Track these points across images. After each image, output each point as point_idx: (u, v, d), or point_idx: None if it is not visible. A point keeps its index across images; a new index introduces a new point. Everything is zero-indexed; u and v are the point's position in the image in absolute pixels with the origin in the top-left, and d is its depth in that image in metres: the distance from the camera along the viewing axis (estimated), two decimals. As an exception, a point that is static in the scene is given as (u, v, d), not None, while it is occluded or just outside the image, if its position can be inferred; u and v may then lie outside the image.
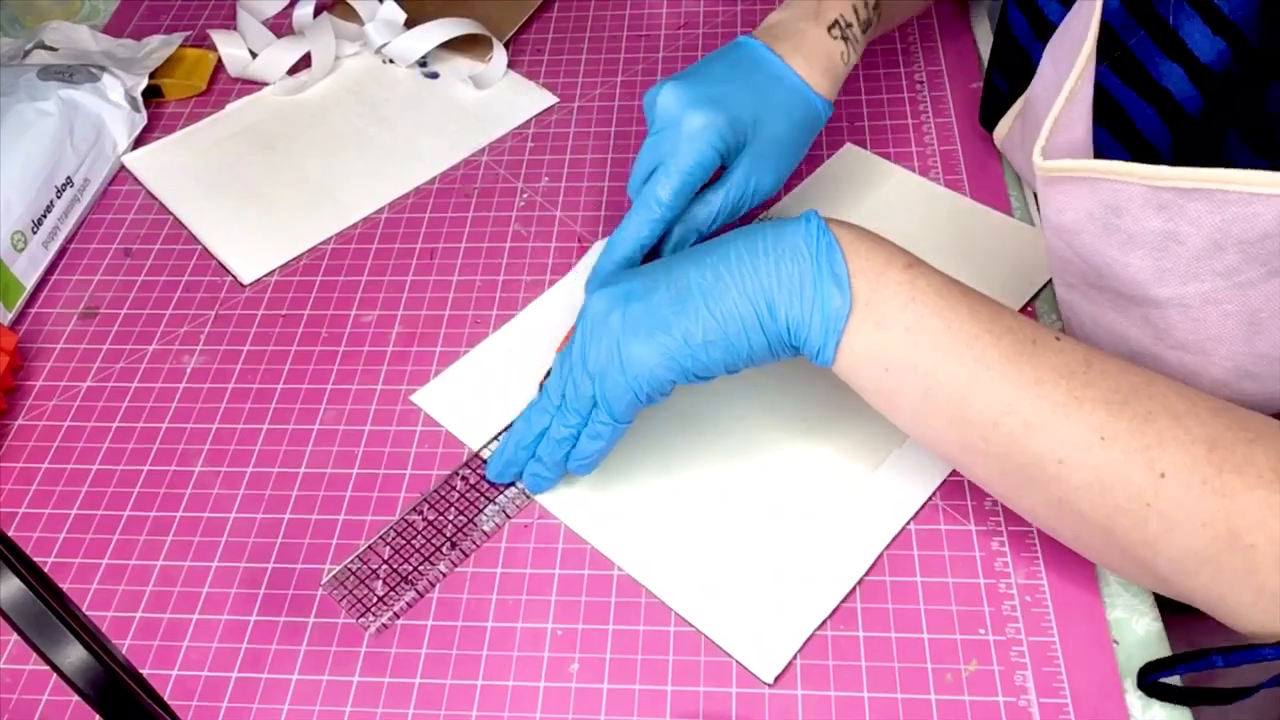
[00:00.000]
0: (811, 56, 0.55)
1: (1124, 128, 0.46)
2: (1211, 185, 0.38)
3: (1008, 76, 0.58)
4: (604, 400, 0.46)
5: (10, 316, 0.62)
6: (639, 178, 0.54)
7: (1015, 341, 0.41)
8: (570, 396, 0.47)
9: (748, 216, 0.61)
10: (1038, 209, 0.61)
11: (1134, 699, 0.44)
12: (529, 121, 0.71)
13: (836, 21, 0.56)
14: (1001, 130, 0.60)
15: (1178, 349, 0.44)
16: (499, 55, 0.73)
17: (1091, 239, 0.43)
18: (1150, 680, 0.43)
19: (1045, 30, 0.52)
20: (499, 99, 0.72)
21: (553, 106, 0.72)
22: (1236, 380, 0.44)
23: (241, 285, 0.63)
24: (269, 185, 0.68)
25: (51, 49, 0.75)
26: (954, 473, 0.50)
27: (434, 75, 0.74)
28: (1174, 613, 0.46)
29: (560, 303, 0.59)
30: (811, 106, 0.55)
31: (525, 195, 0.66)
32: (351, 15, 0.77)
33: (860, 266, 0.43)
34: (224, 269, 0.64)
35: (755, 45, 0.55)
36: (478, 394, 0.56)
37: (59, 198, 0.65)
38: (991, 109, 0.61)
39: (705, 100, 0.52)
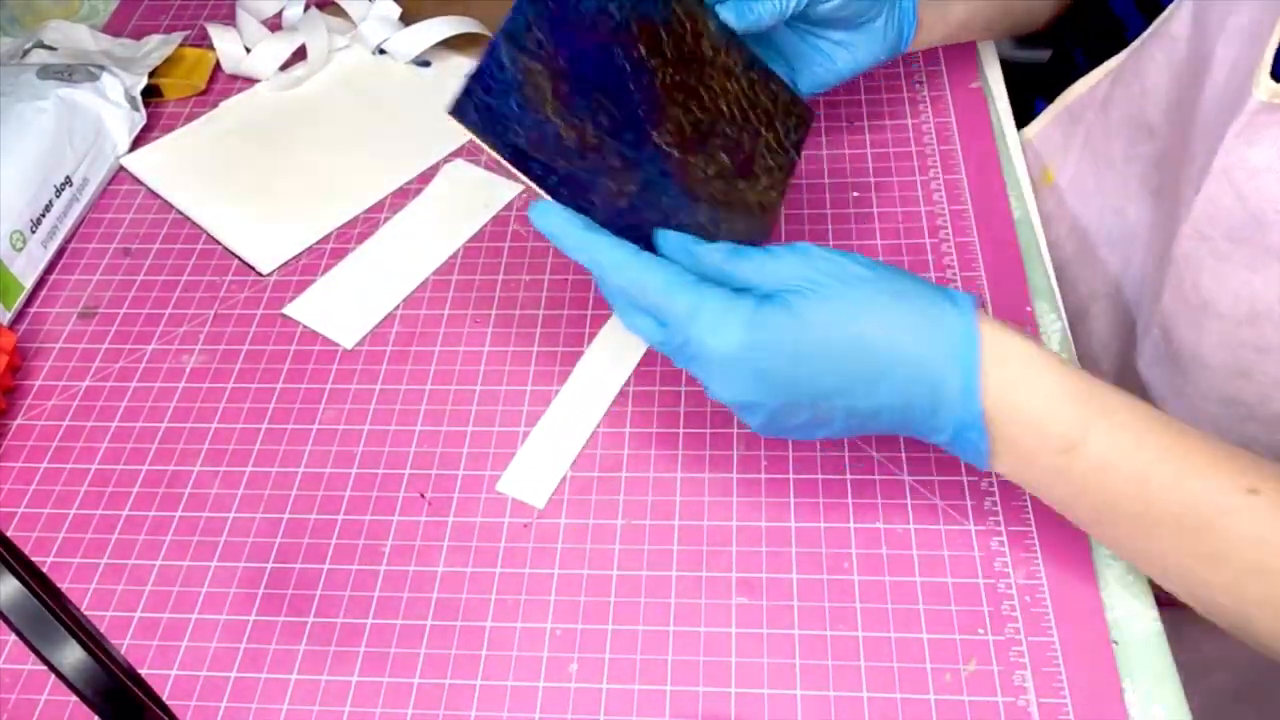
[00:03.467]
0: None
1: None
2: None
3: (1087, 46, 0.57)
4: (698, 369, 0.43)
5: (9, 316, 0.62)
6: None
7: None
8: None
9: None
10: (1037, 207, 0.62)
11: (1134, 698, 0.44)
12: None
13: None
14: (1080, 88, 0.60)
15: None
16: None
17: (1270, 181, 0.42)
18: None
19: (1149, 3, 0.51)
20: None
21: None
22: None
23: (244, 283, 0.63)
24: (273, 178, 0.68)
25: (51, 48, 0.74)
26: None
27: (425, 64, 0.74)
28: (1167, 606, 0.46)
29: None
30: None
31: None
32: (341, 13, 0.77)
33: (1004, 449, 0.41)
34: (224, 268, 0.64)
35: None
36: (350, 301, 0.61)
37: (58, 197, 0.65)
38: (1053, 81, 0.59)
39: None
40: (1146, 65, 0.54)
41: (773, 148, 0.52)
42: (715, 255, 0.43)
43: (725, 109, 0.50)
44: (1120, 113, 0.56)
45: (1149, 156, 0.55)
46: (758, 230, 0.50)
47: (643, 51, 0.47)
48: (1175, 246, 0.49)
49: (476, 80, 0.42)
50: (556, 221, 0.43)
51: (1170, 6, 0.52)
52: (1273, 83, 0.42)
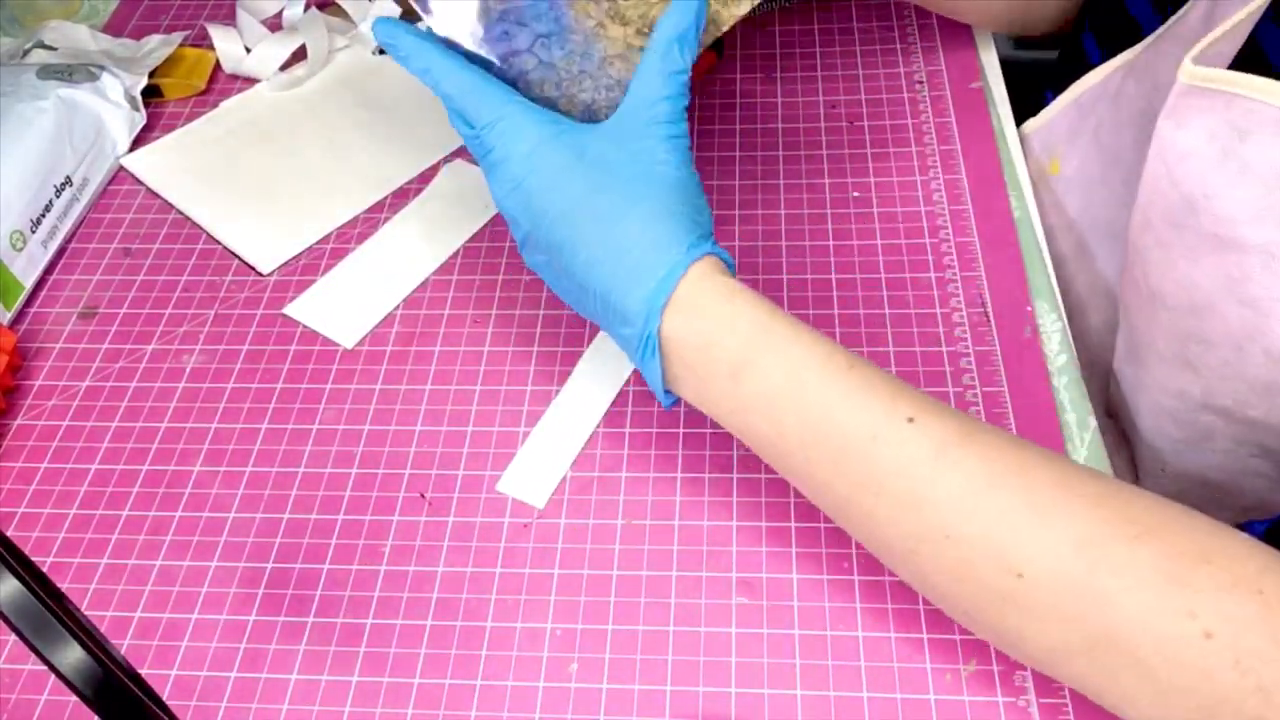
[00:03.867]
0: None
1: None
2: None
3: (1101, 41, 0.56)
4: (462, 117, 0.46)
5: (9, 316, 0.62)
6: None
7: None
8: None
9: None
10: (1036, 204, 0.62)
11: (1134, 699, 0.44)
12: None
13: None
14: (1078, 89, 0.60)
15: (1246, 305, 0.43)
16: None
17: (1200, 164, 0.42)
18: None
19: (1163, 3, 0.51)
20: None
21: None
22: None
23: (243, 283, 0.63)
24: (273, 178, 0.68)
25: (51, 48, 0.74)
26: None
27: None
28: None
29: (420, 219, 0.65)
30: None
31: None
32: (341, 13, 0.77)
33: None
34: (224, 268, 0.64)
35: None
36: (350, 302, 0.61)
37: (58, 197, 0.65)
38: (1065, 75, 0.59)
39: None
40: (1160, 62, 0.54)
41: None
42: None
43: None
44: (1132, 108, 0.56)
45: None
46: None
47: None
48: (1129, 235, 0.50)
49: None
50: (393, 31, 0.46)
51: (1186, 5, 0.52)
52: (1193, 66, 0.42)
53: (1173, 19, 0.53)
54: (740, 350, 0.41)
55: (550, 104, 0.47)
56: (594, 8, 0.46)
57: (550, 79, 0.47)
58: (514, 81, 0.47)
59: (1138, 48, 0.56)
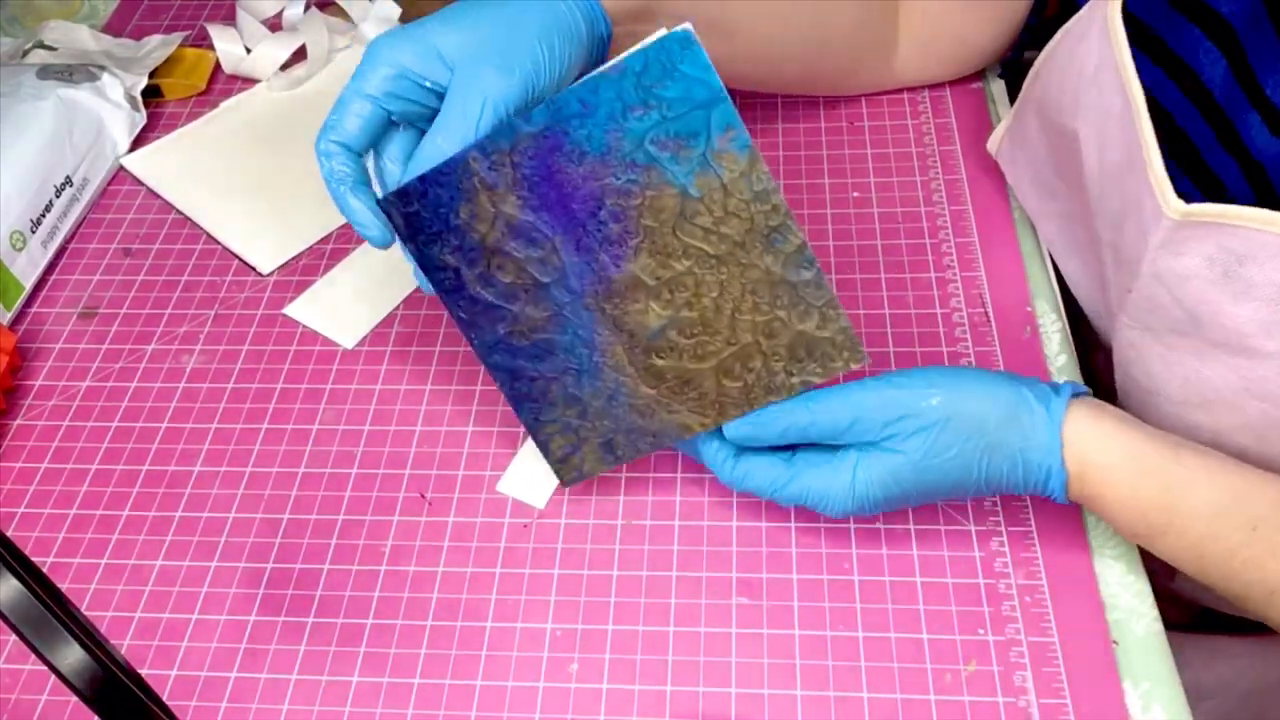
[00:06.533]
0: None
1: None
2: None
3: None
4: None
5: (9, 316, 0.62)
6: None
7: None
8: None
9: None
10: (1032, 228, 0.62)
11: (1134, 699, 0.44)
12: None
13: None
14: (994, 143, 0.60)
15: (1263, 400, 0.43)
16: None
17: (1201, 286, 0.43)
18: None
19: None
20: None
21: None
22: None
23: (244, 283, 0.63)
24: (273, 178, 0.68)
25: (51, 48, 0.74)
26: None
27: None
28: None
29: None
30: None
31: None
32: (341, 13, 0.77)
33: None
34: (224, 268, 0.64)
35: None
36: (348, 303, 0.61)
37: (58, 197, 0.65)
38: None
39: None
40: (1026, 133, 0.55)
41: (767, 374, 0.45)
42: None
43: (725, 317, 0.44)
44: (1029, 171, 0.57)
45: (1057, 213, 0.55)
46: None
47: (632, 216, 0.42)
48: (1116, 334, 0.50)
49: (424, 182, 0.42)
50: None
51: (1030, 72, 0.53)
52: (1180, 202, 0.42)
53: (1024, 85, 0.54)
54: (1140, 527, 0.43)
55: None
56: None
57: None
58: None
59: (1006, 120, 0.56)
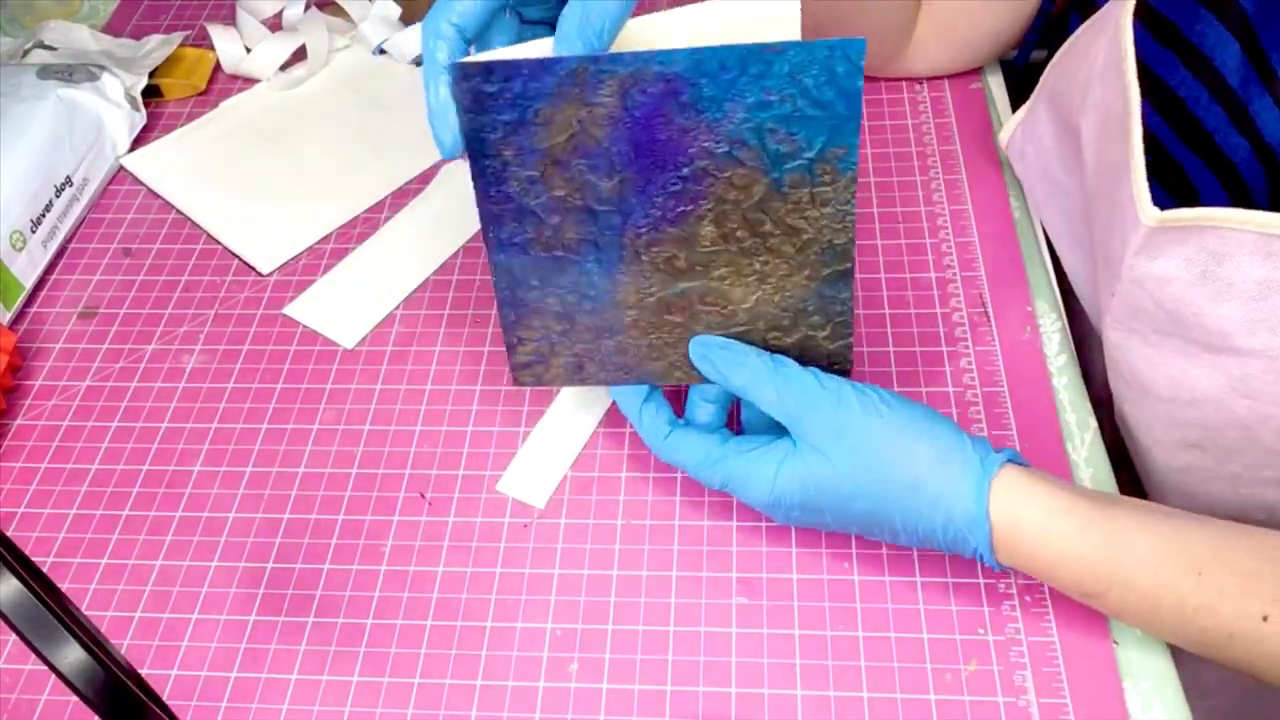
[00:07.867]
0: None
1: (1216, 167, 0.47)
2: None
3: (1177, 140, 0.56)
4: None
5: (9, 316, 0.62)
6: None
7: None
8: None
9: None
10: (1040, 228, 0.62)
11: (1134, 698, 0.44)
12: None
13: None
14: (1005, 135, 0.60)
15: (1249, 397, 0.43)
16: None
17: (1182, 288, 0.43)
18: None
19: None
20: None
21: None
22: None
23: (244, 283, 0.63)
24: (273, 178, 0.68)
25: (51, 48, 0.74)
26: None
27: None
28: None
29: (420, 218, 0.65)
30: None
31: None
32: (342, 13, 0.77)
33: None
34: (224, 268, 0.64)
35: None
36: (349, 303, 0.61)
37: (58, 197, 0.65)
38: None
39: None
40: (1037, 126, 0.55)
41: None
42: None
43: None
44: (1039, 164, 0.57)
45: (1063, 208, 0.56)
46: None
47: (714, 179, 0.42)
48: (1105, 334, 0.50)
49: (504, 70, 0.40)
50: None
51: (1051, 61, 0.53)
52: (1155, 210, 0.42)
53: (1040, 83, 0.54)
54: (1087, 583, 0.42)
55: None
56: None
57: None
58: None
59: (1022, 111, 0.56)
